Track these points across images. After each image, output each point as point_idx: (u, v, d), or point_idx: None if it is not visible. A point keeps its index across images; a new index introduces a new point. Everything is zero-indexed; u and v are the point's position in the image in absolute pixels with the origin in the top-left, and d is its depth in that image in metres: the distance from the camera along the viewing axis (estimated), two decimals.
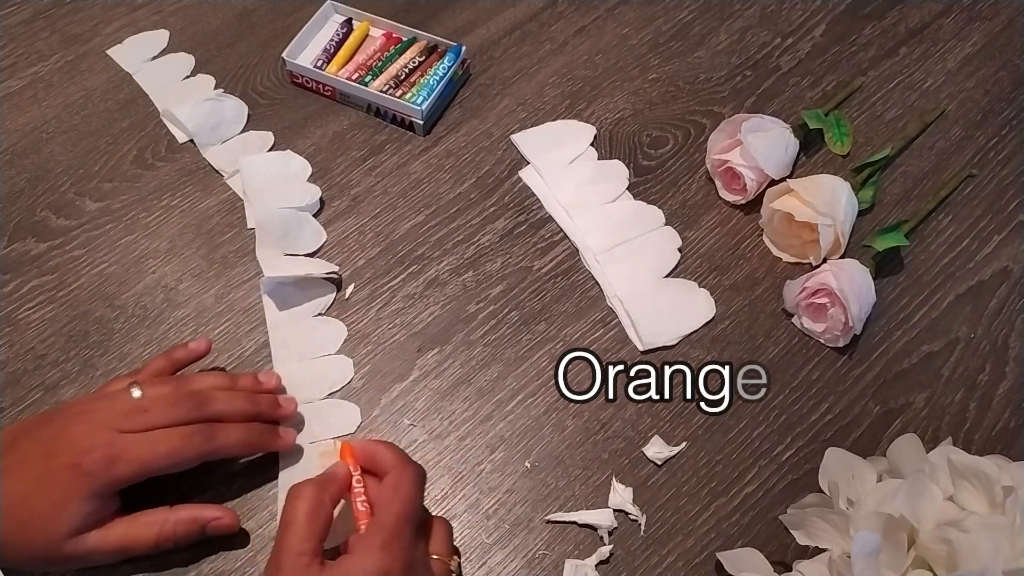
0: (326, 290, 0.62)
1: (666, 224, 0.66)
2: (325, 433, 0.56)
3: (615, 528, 0.54)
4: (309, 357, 0.60)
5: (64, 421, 0.49)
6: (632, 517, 0.54)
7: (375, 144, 0.70)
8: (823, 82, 0.73)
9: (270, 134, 0.70)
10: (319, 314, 0.61)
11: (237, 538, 0.52)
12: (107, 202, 0.66)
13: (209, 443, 0.49)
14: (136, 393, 0.49)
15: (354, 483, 0.47)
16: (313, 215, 0.66)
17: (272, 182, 0.66)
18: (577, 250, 0.64)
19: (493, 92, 0.72)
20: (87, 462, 0.47)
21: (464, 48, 0.71)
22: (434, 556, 0.45)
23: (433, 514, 0.49)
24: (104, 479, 0.47)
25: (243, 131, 0.70)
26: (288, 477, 0.54)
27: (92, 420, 0.48)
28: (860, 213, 0.65)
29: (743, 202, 0.66)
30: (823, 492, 0.51)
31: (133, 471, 0.48)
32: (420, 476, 0.47)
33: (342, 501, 0.47)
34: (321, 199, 0.66)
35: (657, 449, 0.56)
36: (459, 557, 0.49)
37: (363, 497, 0.46)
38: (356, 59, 0.73)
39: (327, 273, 0.62)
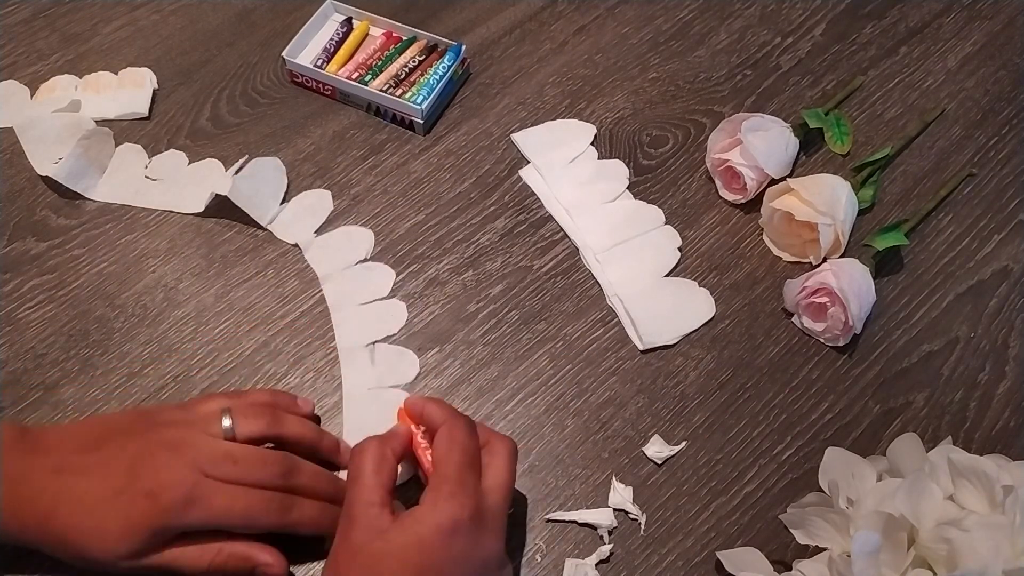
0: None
1: (666, 223, 0.66)
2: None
3: (615, 527, 0.54)
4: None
5: (154, 445, 0.48)
6: (632, 516, 0.54)
7: (375, 143, 0.70)
8: (823, 81, 0.73)
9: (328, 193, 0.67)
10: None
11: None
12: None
13: (285, 515, 0.48)
14: (227, 423, 0.49)
15: (419, 438, 0.49)
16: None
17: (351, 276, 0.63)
18: (577, 249, 0.64)
19: (493, 91, 0.72)
20: (165, 497, 0.46)
21: (464, 47, 0.71)
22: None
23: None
24: (176, 519, 0.46)
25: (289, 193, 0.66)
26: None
27: (182, 454, 0.47)
28: (860, 212, 0.65)
29: (743, 201, 0.66)
30: (823, 491, 0.51)
31: (206, 519, 0.47)
32: (470, 425, 0.48)
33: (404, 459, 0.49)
34: None
35: (657, 448, 0.56)
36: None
37: (429, 448, 0.48)
38: (356, 58, 0.73)
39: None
